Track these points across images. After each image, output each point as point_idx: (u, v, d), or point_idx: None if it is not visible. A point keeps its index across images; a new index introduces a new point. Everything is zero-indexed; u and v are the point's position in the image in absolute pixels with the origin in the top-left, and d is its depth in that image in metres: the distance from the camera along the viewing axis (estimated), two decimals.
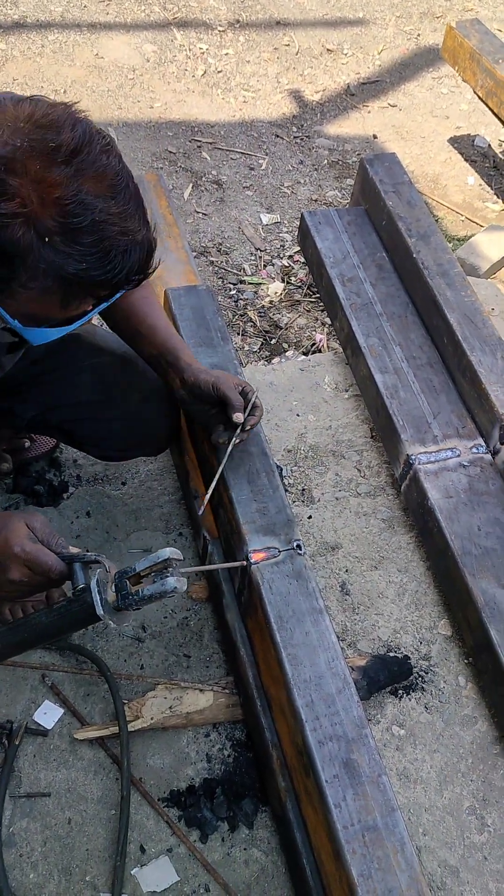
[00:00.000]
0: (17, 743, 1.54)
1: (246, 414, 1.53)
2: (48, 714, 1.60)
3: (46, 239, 0.96)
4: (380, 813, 1.23)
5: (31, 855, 1.45)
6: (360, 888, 1.16)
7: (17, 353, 1.43)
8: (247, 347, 2.64)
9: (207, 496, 1.56)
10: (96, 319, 2.05)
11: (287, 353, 2.63)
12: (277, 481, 1.58)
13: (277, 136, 3.49)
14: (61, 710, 1.61)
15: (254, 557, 1.46)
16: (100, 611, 1.11)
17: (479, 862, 1.51)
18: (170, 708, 1.58)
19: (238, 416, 1.50)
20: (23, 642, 1.21)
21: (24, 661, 1.66)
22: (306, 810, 1.35)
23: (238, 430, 1.54)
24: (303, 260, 2.90)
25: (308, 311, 2.79)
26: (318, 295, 2.79)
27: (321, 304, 2.75)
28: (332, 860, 1.23)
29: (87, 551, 1.22)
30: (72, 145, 0.97)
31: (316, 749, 1.27)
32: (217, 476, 1.56)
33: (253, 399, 1.55)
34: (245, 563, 1.46)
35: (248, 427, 1.56)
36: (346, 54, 3.97)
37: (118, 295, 1.12)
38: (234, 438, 1.54)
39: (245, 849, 1.49)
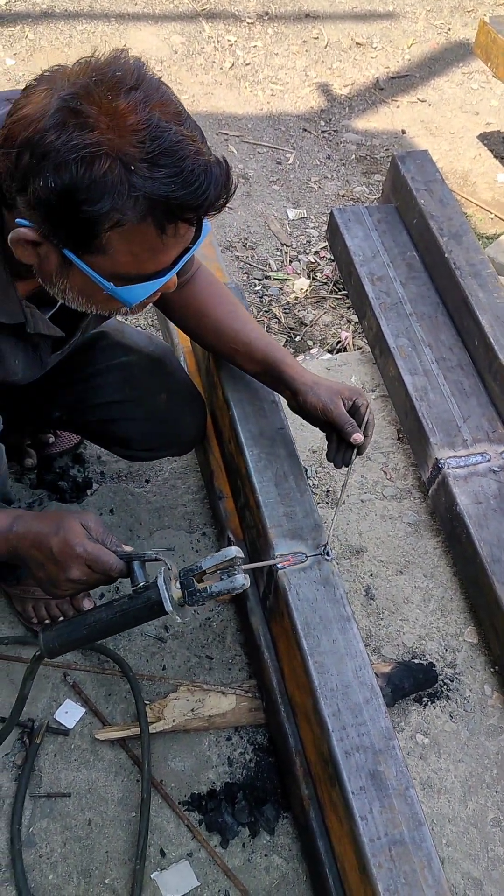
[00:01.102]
0: (38, 742, 1.53)
1: (363, 431, 1.43)
2: (69, 713, 1.59)
3: (132, 167, 0.94)
4: (407, 826, 1.20)
5: (51, 856, 1.44)
6: None
7: (63, 352, 1.41)
8: None
9: (334, 517, 1.48)
10: (136, 320, 1.99)
11: (312, 351, 2.60)
12: (305, 485, 1.55)
13: (305, 130, 3.45)
14: (83, 710, 1.60)
15: (281, 564, 1.44)
16: (168, 607, 1.14)
17: (503, 874, 1.49)
18: (192, 710, 1.56)
19: (357, 438, 1.41)
20: (84, 638, 1.21)
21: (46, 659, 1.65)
22: (330, 820, 1.33)
23: (355, 453, 1.44)
24: (329, 256, 2.86)
25: (334, 308, 2.76)
26: (344, 292, 2.75)
27: (347, 301, 2.72)
28: (357, 873, 1.21)
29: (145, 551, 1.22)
30: (135, 75, 0.97)
31: (343, 759, 1.25)
32: (340, 502, 1.50)
33: (367, 416, 1.44)
34: (324, 552, 1.43)
35: (363, 448, 1.45)
36: (375, 48, 3.92)
37: (206, 232, 1.08)
38: (352, 461, 1.45)
39: (266, 855, 1.47)
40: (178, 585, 1.17)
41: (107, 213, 0.96)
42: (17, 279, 1.16)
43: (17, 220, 1.01)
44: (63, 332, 1.31)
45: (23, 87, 1.01)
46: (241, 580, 1.15)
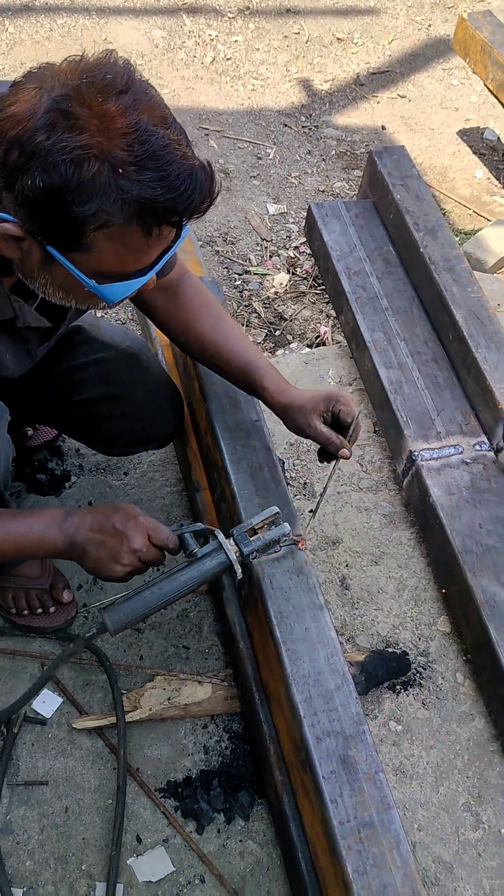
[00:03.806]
0: (15, 731, 1.55)
1: (349, 436, 1.43)
2: (47, 703, 1.60)
3: (120, 170, 0.96)
4: (376, 810, 1.23)
5: (28, 843, 1.46)
6: (355, 884, 1.16)
7: (49, 343, 1.43)
8: (251, 339, 2.63)
9: (313, 515, 1.52)
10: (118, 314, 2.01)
11: (291, 345, 2.62)
12: (280, 476, 1.58)
13: (285, 126, 3.47)
14: (60, 699, 1.61)
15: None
16: (236, 565, 1.32)
17: (474, 858, 1.52)
18: (168, 699, 1.58)
19: (343, 454, 1.42)
20: (150, 610, 1.31)
21: (24, 649, 1.67)
22: (303, 805, 1.35)
23: (336, 461, 1.45)
24: (309, 251, 2.88)
25: (313, 303, 2.78)
26: (323, 287, 2.78)
27: (326, 296, 2.74)
28: (328, 855, 1.24)
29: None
30: (124, 78, 0.99)
31: (314, 745, 1.27)
32: (321, 497, 1.52)
33: (353, 423, 1.43)
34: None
35: (348, 453, 1.44)
36: (356, 43, 3.94)
37: (185, 233, 1.10)
38: (334, 466, 1.47)
39: (241, 841, 1.50)
40: (233, 543, 1.32)
41: (94, 214, 0.98)
42: (1, 274, 1.18)
43: (1, 214, 1.03)
44: (50, 322, 1.32)
45: (10, 83, 1.02)
46: (287, 527, 1.37)
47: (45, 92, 0.97)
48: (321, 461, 1.49)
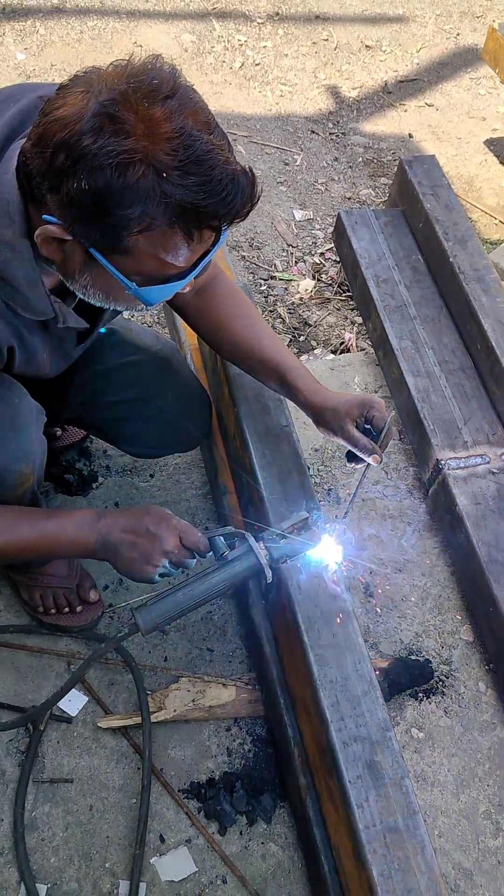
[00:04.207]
0: (41, 729, 1.56)
1: (381, 442, 1.41)
2: (73, 701, 1.62)
3: (164, 174, 0.97)
4: (401, 815, 1.24)
5: (53, 839, 1.48)
6: (380, 888, 1.17)
7: (86, 343, 1.45)
8: None
9: (345, 517, 1.54)
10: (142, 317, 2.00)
11: (315, 351, 2.64)
12: (309, 483, 1.59)
13: (313, 132, 3.48)
14: (86, 698, 1.63)
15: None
16: (267, 568, 1.32)
17: (493, 866, 1.53)
18: (192, 701, 1.60)
19: (375, 460, 1.40)
20: (182, 611, 1.33)
21: (51, 647, 1.69)
22: (327, 809, 1.36)
23: (366, 464, 1.44)
24: (334, 258, 2.90)
25: (338, 309, 2.79)
26: (348, 293, 2.79)
27: (351, 302, 2.75)
28: (353, 859, 1.25)
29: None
30: (171, 83, 1.00)
31: (340, 749, 1.28)
32: (350, 503, 1.53)
33: (385, 428, 1.41)
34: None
35: (380, 459, 1.42)
36: (384, 51, 3.95)
37: (224, 237, 1.12)
38: (363, 473, 1.49)
39: (262, 843, 1.51)
40: (263, 546, 1.33)
41: (137, 217, 1.00)
42: (43, 275, 1.20)
43: (45, 216, 1.04)
44: (87, 323, 1.34)
45: (58, 86, 1.04)
46: (317, 532, 1.38)
47: (92, 96, 0.98)
48: (349, 462, 1.49)
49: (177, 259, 1.08)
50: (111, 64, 1.04)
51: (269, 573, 1.33)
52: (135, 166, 0.97)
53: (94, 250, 1.06)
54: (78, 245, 1.07)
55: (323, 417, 1.46)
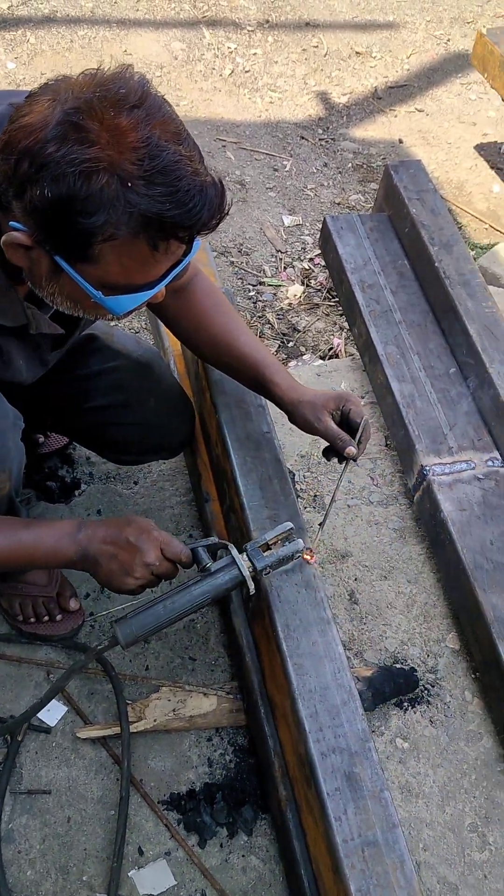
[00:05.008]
0: (19, 739, 1.54)
1: (357, 440, 1.41)
2: (51, 711, 1.60)
3: (129, 184, 0.96)
4: (380, 828, 1.21)
5: (30, 852, 1.45)
6: None
7: (62, 350, 1.43)
8: None
9: (322, 527, 1.51)
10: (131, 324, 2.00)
11: (304, 357, 2.62)
12: (290, 488, 1.57)
13: (302, 138, 3.48)
14: (65, 708, 1.61)
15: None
16: (249, 581, 1.30)
17: (479, 880, 1.50)
18: (173, 711, 1.57)
19: (349, 452, 1.40)
20: (162, 624, 1.30)
21: (30, 657, 1.67)
22: (306, 821, 1.34)
23: (345, 468, 1.45)
24: (323, 263, 2.88)
25: (327, 314, 2.78)
26: (337, 299, 2.77)
27: (340, 308, 2.74)
28: (331, 873, 1.22)
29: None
30: (138, 93, 0.99)
31: (319, 761, 1.26)
32: (329, 508, 1.50)
33: (362, 423, 1.42)
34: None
35: (358, 456, 1.42)
36: (374, 57, 3.95)
37: (196, 248, 1.11)
38: (342, 474, 1.47)
39: (243, 856, 1.48)
40: (246, 558, 1.31)
41: (101, 226, 0.99)
42: (15, 282, 1.18)
43: (11, 223, 1.03)
44: (63, 329, 1.33)
45: (27, 94, 1.03)
46: (301, 543, 1.34)
47: (58, 104, 0.97)
48: (327, 458, 1.47)
49: (143, 269, 1.07)
50: (81, 73, 1.04)
51: (251, 585, 1.31)
52: (98, 175, 0.96)
53: (59, 258, 1.05)
54: (43, 252, 1.06)
55: (299, 411, 1.45)
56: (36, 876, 1.43)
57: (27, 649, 1.68)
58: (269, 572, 1.35)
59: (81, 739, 1.57)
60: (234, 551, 1.31)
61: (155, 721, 1.56)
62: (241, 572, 1.29)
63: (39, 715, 1.58)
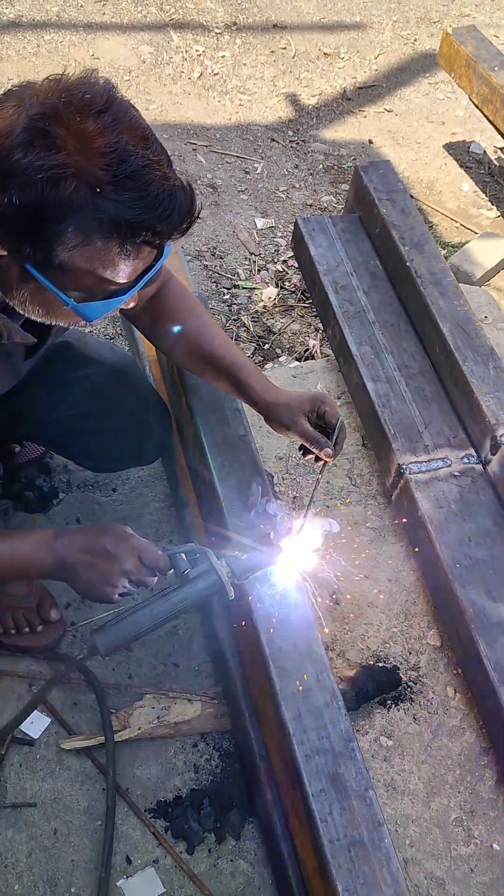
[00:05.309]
0: (2, 752, 1.53)
1: (334, 441, 1.41)
2: (35, 723, 1.59)
3: (98, 189, 0.96)
4: (366, 827, 1.22)
5: (16, 866, 1.44)
6: None
7: (34, 358, 1.43)
8: None
9: (301, 527, 1.47)
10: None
11: (280, 359, 2.63)
12: (268, 491, 1.57)
13: (273, 140, 3.49)
14: (48, 720, 1.60)
15: None
16: (228, 586, 1.29)
17: (466, 874, 1.51)
18: (157, 718, 1.57)
19: (326, 453, 1.40)
20: (142, 631, 1.30)
21: (12, 668, 1.65)
22: (293, 823, 1.35)
23: (323, 464, 1.44)
24: (297, 265, 2.89)
25: (302, 316, 2.79)
26: (311, 300, 2.78)
27: (314, 309, 2.75)
28: (318, 874, 1.23)
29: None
30: (104, 98, 0.99)
31: (303, 763, 1.26)
32: (307, 509, 1.47)
33: (337, 424, 1.42)
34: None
35: (334, 458, 1.43)
36: (342, 58, 3.97)
37: (167, 252, 1.10)
38: (321, 471, 1.47)
39: (232, 860, 1.49)
40: (225, 564, 1.30)
41: (70, 232, 0.99)
42: None
43: None
44: (35, 338, 1.32)
45: None
46: (279, 547, 1.34)
47: (23, 110, 0.97)
48: (303, 454, 1.47)
49: (115, 275, 1.06)
50: (46, 78, 1.03)
51: (230, 591, 1.31)
52: (67, 181, 0.96)
53: (29, 265, 1.04)
54: (13, 260, 1.05)
55: (275, 413, 1.45)
56: (23, 890, 1.42)
57: (8, 661, 1.67)
58: (248, 577, 1.35)
59: (66, 750, 1.56)
60: (213, 557, 1.30)
61: (140, 729, 1.56)
62: (219, 578, 1.29)
63: (23, 727, 1.57)
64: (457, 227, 3.22)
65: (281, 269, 2.94)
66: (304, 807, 1.26)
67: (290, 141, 3.50)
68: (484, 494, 1.82)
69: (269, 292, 2.84)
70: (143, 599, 1.32)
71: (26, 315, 1.16)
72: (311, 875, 1.28)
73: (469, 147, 3.59)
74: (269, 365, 2.58)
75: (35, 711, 1.59)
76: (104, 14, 3.92)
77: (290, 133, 3.54)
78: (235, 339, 2.68)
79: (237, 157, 3.37)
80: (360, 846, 1.21)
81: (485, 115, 3.21)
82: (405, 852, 1.52)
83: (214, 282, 2.86)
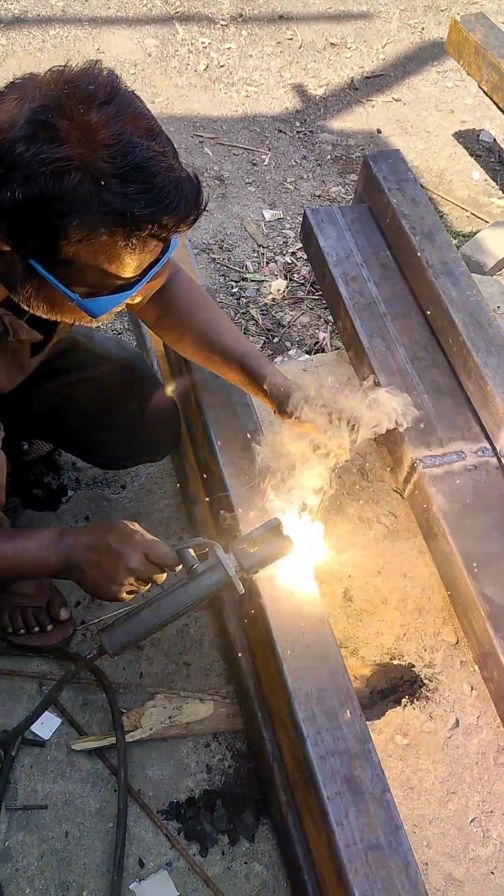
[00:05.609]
0: (13, 754, 1.51)
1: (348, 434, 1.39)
2: (45, 724, 1.57)
3: (103, 182, 0.94)
4: (383, 831, 1.20)
5: (28, 869, 1.43)
6: None
7: (41, 355, 1.40)
8: None
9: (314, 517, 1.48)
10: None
11: (290, 352, 2.60)
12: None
13: (280, 132, 3.45)
14: (59, 720, 1.58)
15: None
16: (237, 581, 1.26)
17: (485, 875, 1.48)
18: (169, 718, 1.55)
19: (339, 445, 1.39)
20: (149, 629, 1.27)
21: (22, 669, 1.64)
22: (308, 826, 1.32)
23: (334, 465, 1.42)
24: (306, 257, 2.86)
25: (311, 308, 2.75)
26: (321, 292, 2.75)
27: (324, 301, 2.71)
28: (334, 879, 1.20)
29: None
30: (107, 89, 0.97)
31: (318, 765, 1.24)
32: (319, 504, 1.47)
33: (351, 422, 1.40)
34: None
35: (351, 451, 1.41)
36: (349, 48, 3.92)
37: (174, 245, 1.08)
38: (333, 468, 1.44)
39: (246, 862, 1.46)
40: (233, 558, 1.27)
41: (75, 226, 0.96)
42: None
43: None
44: (41, 334, 1.30)
45: None
46: (289, 539, 1.30)
47: (25, 102, 0.95)
48: (314, 450, 1.43)
49: (121, 269, 1.04)
50: (48, 70, 1.01)
51: (239, 586, 1.28)
52: (70, 174, 0.94)
53: (33, 261, 1.02)
54: (18, 256, 1.03)
55: (287, 403, 1.41)
56: (35, 893, 1.40)
57: (19, 662, 1.65)
58: (257, 571, 1.32)
59: (77, 751, 1.54)
60: (220, 551, 1.28)
61: (151, 729, 1.54)
62: (227, 573, 1.27)
63: (33, 728, 1.56)
64: (468, 217, 3.17)
65: (290, 261, 2.90)
66: (318, 810, 1.23)
67: (298, 132, 3.46)
68: (499, 488, 1.79)
69: (278, 285, 2.81)
70: (151, 596, 1.30)
71: (31, 311, 1.13)
72: (327, 879, 1.25)
73: (479, 135, 3.54)
74: (278, 358, 2.55)
75: (46, 712, 1.57)
76: (109, 8, 3.89)
77: (298, 124, 3.50)
78: (244, 333, 2.64)
79: (244, 148, 3.34)
80: (377, 850, 1.18)
81: (494, 103, 3.16)
82: (423, 854, 1.49)
83: (222, 275, 2.83)
